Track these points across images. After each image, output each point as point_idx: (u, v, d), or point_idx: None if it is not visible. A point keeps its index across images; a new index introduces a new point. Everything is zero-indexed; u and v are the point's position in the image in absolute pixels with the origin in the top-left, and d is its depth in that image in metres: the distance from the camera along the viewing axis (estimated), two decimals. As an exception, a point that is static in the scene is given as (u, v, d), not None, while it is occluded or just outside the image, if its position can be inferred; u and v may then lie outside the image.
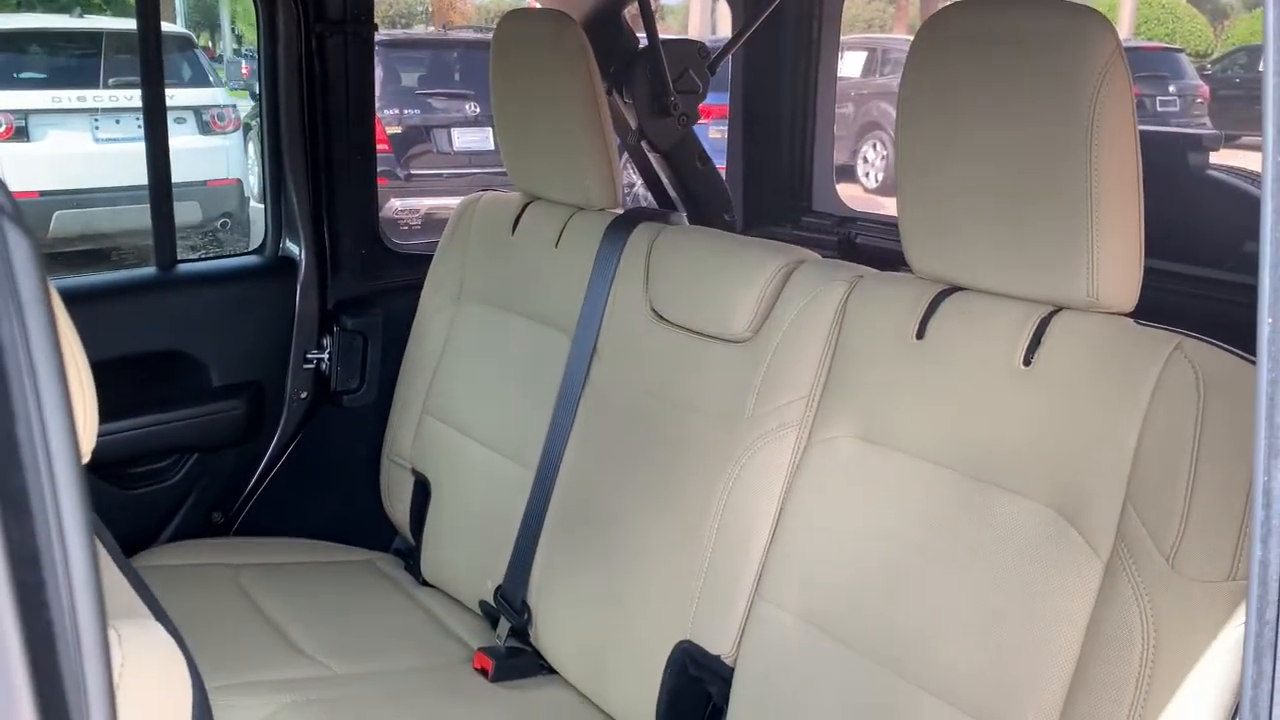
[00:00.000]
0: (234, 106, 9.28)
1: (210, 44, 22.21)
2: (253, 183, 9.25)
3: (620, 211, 2.23)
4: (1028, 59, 1.42)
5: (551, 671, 2.11)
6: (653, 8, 2.63)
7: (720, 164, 2.91)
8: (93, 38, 8.84)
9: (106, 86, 8.51)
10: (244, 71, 14.92)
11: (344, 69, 2.58)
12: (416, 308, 2.55)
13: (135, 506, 2.52)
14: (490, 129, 8.61)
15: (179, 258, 2.56)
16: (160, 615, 0.90)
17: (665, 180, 2.81)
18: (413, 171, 9.21)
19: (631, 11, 2.71)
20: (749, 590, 1.74)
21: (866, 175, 12.86)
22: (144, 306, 2.50)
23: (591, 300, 2.13)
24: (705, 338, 1.92)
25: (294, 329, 2.62)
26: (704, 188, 2.80)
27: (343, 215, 2.66)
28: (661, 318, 2.01)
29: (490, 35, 2.37)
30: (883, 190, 12.15)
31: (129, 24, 9.14)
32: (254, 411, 2.59)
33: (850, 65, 13.09)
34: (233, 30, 21.34)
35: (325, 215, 2.64)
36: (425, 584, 2.43)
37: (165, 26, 2.65)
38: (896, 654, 1.52)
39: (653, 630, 1.86)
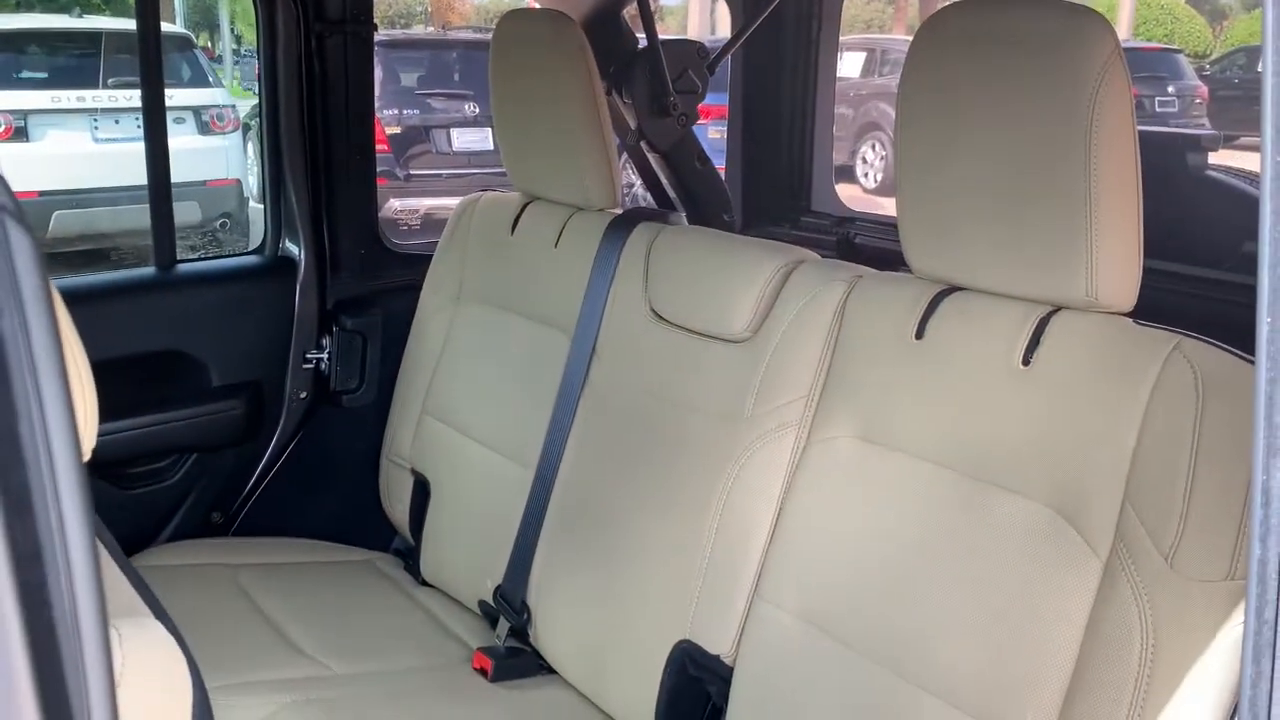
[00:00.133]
0: (233, 106, 9.28)
1: (209, 44, 22.21)
2: (252, 183, 9.25)
3: (619, 211, 2.23)
4: (1027, 59, 1.42)
5: (551, 671, 2.11)
6: (652, 8, 2.63)
7: (719, 164, 2.91)
8: (92, 38, 8.83)
9: (106, 87, 8.50)
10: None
11: (343, 69, 2.58)
12: (416, 308, 2.55)
13: (134, 506, 2.52)
14: (489, 129, 8.61)
15: (178, 258, 2.56)
16: (160, 615, 0.90)
17: (664, 180, 2.81)
18: (412, 172, 9.21)
19: (631, 12, 2.71)
20: (748, 590, 1.74)
21: (865, 176, 12.86)
22: (143, 306, 2.50)
23: (591, 300, 2.13)
24: (704, 338, 1.92)
25: (293, 329, 2.62)
26: (703, 188, 2.80)
27: (342, 215, 2.66)
28: (661, 318, 2.01)
29: (489, 35, 2.37)
30: (882, 190, 12.15)
31: (128, 24, 9.14)
32: (253, 411, 2.59)
33: (849, 66, 13.10)
34: (232, 30, 21.34)
35: (325, 215, 2.64)
36: (425, 584, 2.43)
37: (165, 26, 2.65)
38: (896, 654, 1.52)
39: (652, 630, 1.86)
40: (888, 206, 3.22)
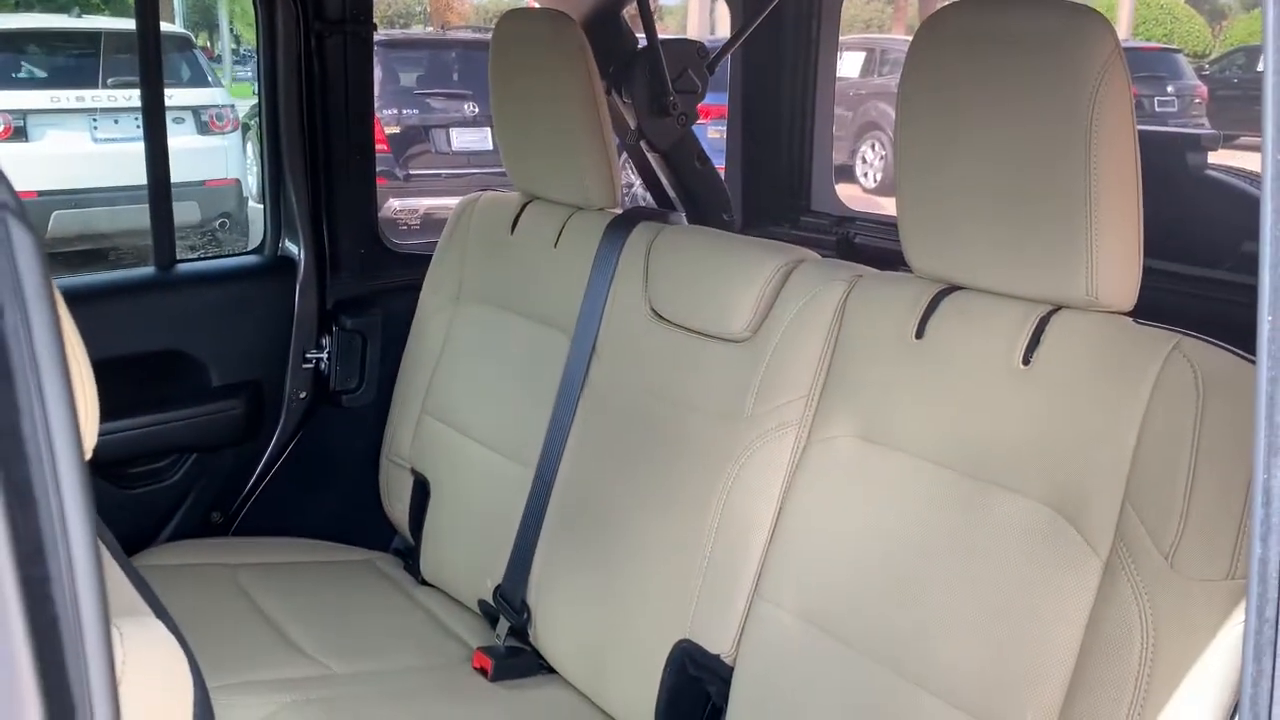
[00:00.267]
0: (232, 106, 9.28)
1: (209, 44, 22.21)
2: (251, 183, 9.25)
3: (619, 211, 2.23)
4: (1027, 58, 1.42)
5: (551, 671, 2.11)
6: (651, 7, 2.63)
7: (719, 164, 2.91)
8: (91, 38, 8.83)
9: (105, 86, 8.50)
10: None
11: (343, 69, 2.58)
12: (415, 307, 2.55)
13: (134, 506, 2.52)
14: (489, 129, 8.62)
15: (178, 257, 2.56)
16: (161, 614, 0.90)
17: (664, 180, 2.81)
18: (411, 171, 9.21)
19: (630, 11, 2.71)
20: (748, 589, 1.74)
21: (865, 175, 12.86)
22: (143, 306, 2.50)
23: (590, 300, 2.13)
24: (704, 337, 1.92)
25: (293, 329, 2.62)
26: (703, 187, 2.80)
27: (342, 215, 2.66)
28: (661, 317, 2.01)
29: (489, 35, 2.37)
30: (881, 190, 12.16)
31: (128, 24, 9.15)
32: (253, 411, 2.59)
33: (849, 65, 13.10)
34: (231, 30, 21.34)
35: (324, 215, 2.64)
36: (424, 583, 2.43)
37: (164, 26, 2.65)
38: (896, 653, 1.52)
39: (652, 629, 1.86)
40: (887, 206, 3.22)
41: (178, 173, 2.55)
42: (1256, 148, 0.81)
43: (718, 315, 1.89)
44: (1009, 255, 1.49)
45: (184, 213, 6.74)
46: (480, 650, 2.13)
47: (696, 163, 2.77)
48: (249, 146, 9.70)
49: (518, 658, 2.12)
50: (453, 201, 2.82)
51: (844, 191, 3.42)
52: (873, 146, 12.89)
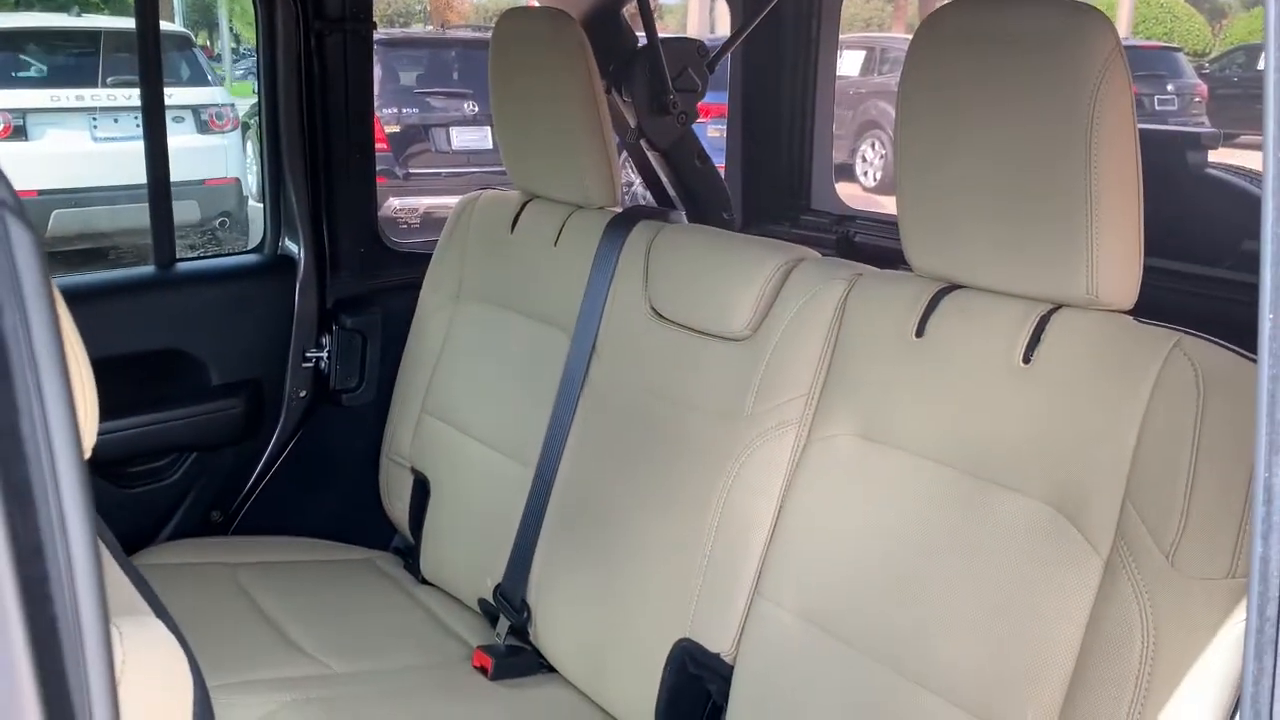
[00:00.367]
0: (232, 105, 9.28)
1: (209, 43, 22.20)
2: (251, 182, 9.25)
3: (619, 210, 2.23)
4: (1027, 57, 1.42)
5: (551, 670, 2.11)
6: (651, 6, 2.63)
7: (719, 162, 2.91)
8: (91, 37, 8.83)
9: (105, 85, 8.50)
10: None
11: (343, 68, 2.58)
12: (415, 306, 2.55)
13: (134, 505, 2.52)
14: (489, 128, 8.61)
15: (178, 256, 2.56)
16: (161, 613, 0.90)
17: (664, 179, 2.81)
18: (411, 170, 9.21)
19: (630, 10, 2.71)
20: (748, 588, 1.74)
21: (865, 174, 12.86)
22: (143, 305, 2.50)
23: (590, 298, 2.13)
24: (704, 336, 1.92)
25: (293, 328, 2.62)
26: (703, 186, 2.80)
27: (342, 214, 2.66)
28: (661, 316, 2.01)
29: (488, 34, 2.37)
30: (881, 189, 12.15)
31: (127, 23, 9.14)
32: (253, 410, 2.59)
33: (848, 64, 13.10)
34: (230, 29, 21.33)
35: (324, 214, 2.64)
36: (424, 582, 2.43)
37: (163, 25, 2.65)
38: (896, 652, 1.52)
39: (652, 628, 1.86)
40: (887, 205, 3.22)
41: (177, 172, 2.55)
42: (1257, 146, 0.81)
43: (718, 314, 1.89)
44: (1009, 254, 1.49)
45: (184, 212, 6.75)
46: (480, 649, 2.13)
47: (696, 161, 2.77)
48: (249, 145, 9.70)
49: (518, 657, 2.12)
50: (452, 200, 2.82)
51: (844, 190, 3.42)
52: (873, 145, 12.89)
